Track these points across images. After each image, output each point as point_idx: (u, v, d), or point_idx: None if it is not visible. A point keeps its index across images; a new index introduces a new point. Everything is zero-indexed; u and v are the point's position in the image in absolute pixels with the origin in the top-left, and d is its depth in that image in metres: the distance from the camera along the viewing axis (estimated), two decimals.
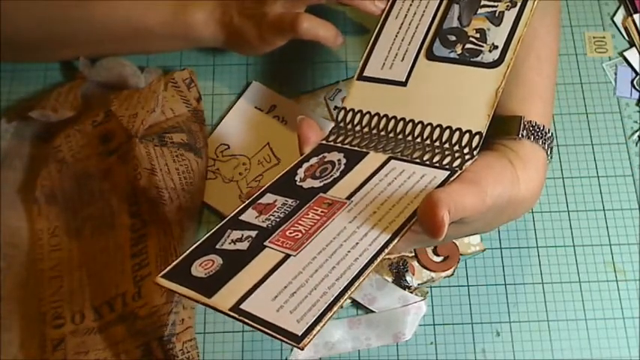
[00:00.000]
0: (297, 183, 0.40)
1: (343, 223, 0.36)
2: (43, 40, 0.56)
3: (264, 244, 0.36)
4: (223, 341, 0.51)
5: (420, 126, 0.42)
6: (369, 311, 0.51)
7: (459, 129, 0.40)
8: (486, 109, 0.40)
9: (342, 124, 0.45)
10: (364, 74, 0.46)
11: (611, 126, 0.58)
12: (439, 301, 0.52)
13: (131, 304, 0.49)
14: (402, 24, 0.46)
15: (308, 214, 0.37)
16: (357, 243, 0.35)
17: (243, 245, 0.36)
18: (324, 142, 0.44)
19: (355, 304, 0.52)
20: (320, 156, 0.42)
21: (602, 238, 0.54)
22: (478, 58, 0.42)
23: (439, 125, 0.41)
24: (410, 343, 0.50)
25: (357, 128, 0.44)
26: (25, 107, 0.56)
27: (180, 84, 0.57)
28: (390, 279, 0.52)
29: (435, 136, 0.41)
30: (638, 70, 0.59)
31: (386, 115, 0.43)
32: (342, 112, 0.45)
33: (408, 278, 0.51)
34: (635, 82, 0.59)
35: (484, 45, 0.42)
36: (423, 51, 0.44)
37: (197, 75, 0.58)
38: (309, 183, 0.40)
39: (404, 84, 0.44)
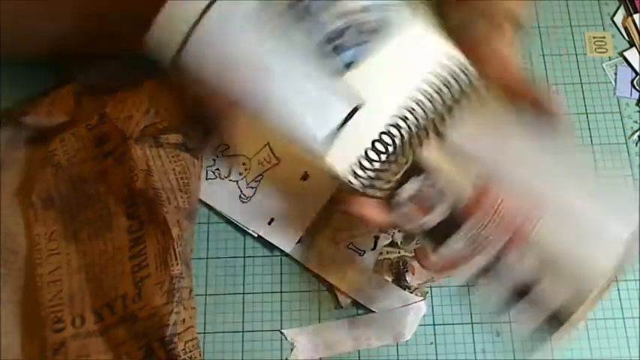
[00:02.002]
0: None
1: None
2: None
3: None
4: (223, 341, 0.52)
5: None
6: (369, 311, 0.53)
7: None
8: None
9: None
10: None
11: (611, 126, 0.59)
12: (439, 301, 0.53)
13: (131, 306, 0.50)
14: None
15: None
16: None
17: None
18: None
19: (355, 304, 0.53)
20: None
21: None
22: None
23: None
24: (410, 343, 0.52)
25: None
26: (19, 112, 0.57)
27: None
28: (390, 279, 0.53)
29: None
30: (638, 70, 0.61)
31: None
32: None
33: (408, 278, 0.53)
34: (635, 82, 0.60)
35: None
36: None
37: None
38: None
39: None
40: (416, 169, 0.41)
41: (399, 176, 0.41)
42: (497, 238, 0.39)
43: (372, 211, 0.42)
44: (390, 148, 0.41)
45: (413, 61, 0.41)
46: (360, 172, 0.41)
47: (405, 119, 0.41)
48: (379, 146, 0.41)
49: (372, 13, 0.40)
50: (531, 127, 0.41)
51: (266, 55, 0.39)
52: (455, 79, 0.41)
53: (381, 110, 0.41)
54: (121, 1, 0.49)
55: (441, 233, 0.40)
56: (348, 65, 0.40)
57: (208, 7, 0.37)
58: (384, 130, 0.41)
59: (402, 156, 0.41)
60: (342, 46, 0.39)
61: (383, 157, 0.41)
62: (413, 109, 0.41)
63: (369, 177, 0.41)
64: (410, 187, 0.41)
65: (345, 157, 0.41)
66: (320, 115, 0.40)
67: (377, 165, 0.41)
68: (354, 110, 0.40)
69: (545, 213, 0.38)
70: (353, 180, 0.41)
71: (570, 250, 0.38)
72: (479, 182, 0.39)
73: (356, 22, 0.40)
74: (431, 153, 0.41)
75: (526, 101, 0.41)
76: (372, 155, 0.41)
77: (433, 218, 0.40)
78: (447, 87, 0.41)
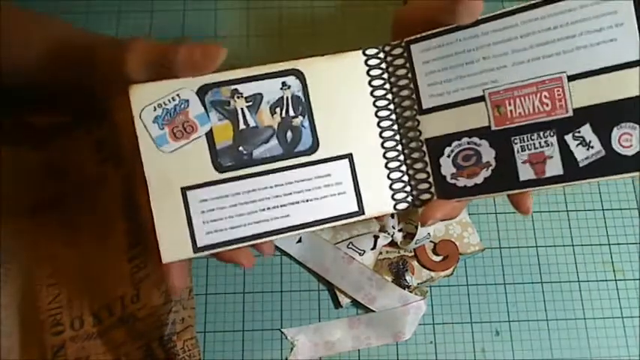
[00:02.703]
0: None
1: None
2: None
3: None
4: (223, 341, 0.53)
5: None
6: (369, 311, 0.53)
7: None
8: None
9: None
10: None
11: None
12: (439, 301, 0.54)
13: (130, 307, 0.50)
14: None
15: None
16: None
17: None
18: None
19: (355, 303, 0.54)
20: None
21: (601, 238, 0.56)
22: None
23: None
24: (410, 342, 0.53)
25: None
26: (20, 113, 0.58)
27: None
28: (389, 278, 0.54)
29: None
30: None
31: None
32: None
33: (407, 278, 0.53)
34: None
35: None
36: None
37: None
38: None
39: None
40: (436, 148, 0.41)
41: (429, 168, 0.42)
42: (545, 129, 0.39)
43: (443, 209, 0.41)
44: (401, 157, 0.42)
45: (346, 87, 0.42)
46: (400, 196, 0.42)
47: (388, 129, 0.42)
48: (393, 164, 0.42)
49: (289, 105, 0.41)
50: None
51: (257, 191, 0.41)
52: (385, 69, 0.42)
53: (367, 142, 0.42)
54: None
55: (507, 168, 0.40)
56: (313, 146, 0.41)
57: (193, 236, 0.40)
58: (383, 152, 0.42)
59: (414, 152, 0.42)
60: (294, 139, 0.41)
61: (403, 167, 0.42)
62: (385, 116, 0.42)
63: (410, 191, 0.42)
64: (447, 164, 0.41)
65: (381, 200, 0.42)
66: (338, 201, 0.41)
67: (405, 177, 0.42)
68: (352, 166, 0.41)
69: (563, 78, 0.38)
70: (401, 206, 0.42)
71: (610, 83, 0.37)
72: (487, 95, 0.40)
73: (286, 112, 0.41)
74: (429, 126, 0.41)
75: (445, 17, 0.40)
76: (395, 175, 0.42)
77: (488, 162, 0.40)
78: (387, 80, 0.42)
